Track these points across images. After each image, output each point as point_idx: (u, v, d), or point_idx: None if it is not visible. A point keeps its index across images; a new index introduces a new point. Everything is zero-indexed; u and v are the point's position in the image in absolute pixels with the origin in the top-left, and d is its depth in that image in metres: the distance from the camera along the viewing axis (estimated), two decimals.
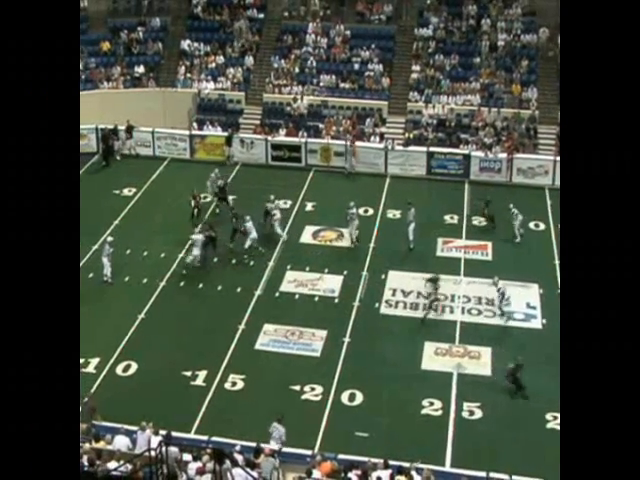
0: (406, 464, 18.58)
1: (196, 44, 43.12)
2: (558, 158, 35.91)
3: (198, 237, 28.99)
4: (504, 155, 36.07)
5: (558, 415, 22.25)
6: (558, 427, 21.94)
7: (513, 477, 19.03)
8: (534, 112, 38.67)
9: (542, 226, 32.39)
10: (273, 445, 19.74)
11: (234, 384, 23.53)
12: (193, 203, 31.89)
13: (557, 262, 29.61)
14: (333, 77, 41.18)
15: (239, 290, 27.96)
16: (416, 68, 41.20)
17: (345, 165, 36.55)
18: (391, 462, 18.63)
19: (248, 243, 29.67)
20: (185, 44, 43.02)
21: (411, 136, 38.08)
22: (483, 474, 19.24)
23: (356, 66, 41.61)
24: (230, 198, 32.51)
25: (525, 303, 27.19)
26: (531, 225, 31.71)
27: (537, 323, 26.41)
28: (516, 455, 21.01)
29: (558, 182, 35.48)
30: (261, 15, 44.16)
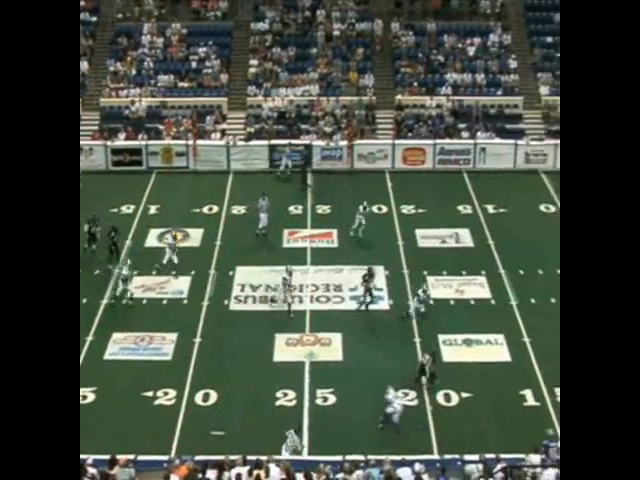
0: (263, 457, 18.60)
1: None
2: (396, 142, 36.88)
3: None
4: (344, 142, 36.68)
5: (407, 391, 22.91)
6: (407, 403, 22.59)
7: (369, 457, 19.35)
8: (371, 98, 39.45)
9: (384, 209, 33.14)
10: (284, 453, 19.76)
11: (84, 397, 22.82)
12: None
13: (400, 243, 30.45)
14: (171, 77, 40.69)
15: (84, 301, 27.12)
16: (254, 62, 41.29)
17: (281, 168, 36.24)
18: (250, 457, 18.61)
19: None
20: None
21: (252, 131, 38.14)
22: (339, 458, 19.52)
23: (194, 64, 41.28)
24: None
25: (372, 286, 27.63)
26: (374, 209, 32.26)
27: (384, 304, 26.99)
28: (371, 435, 21.41)
29: (398, 165, 36.46)
30: (94, 18, 43.17)
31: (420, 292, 25.86)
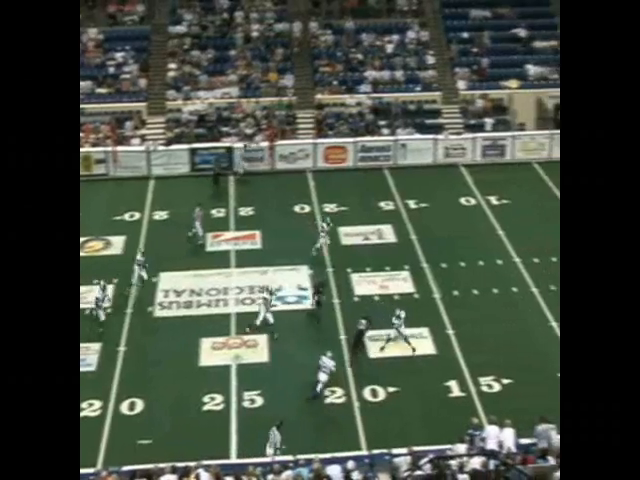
0: (192, 464, 18.53)
1: None
2: (317, 141, 36.98)
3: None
4: (266, 143, 36.64)
5: (335, 389, 23.02)
6: (335, 400, 22.72)
7: (298, 456, 19.38)
8: (291, 98, 39.50)
9: (307, 208, 33.19)
10: (269, 450, 20.14)
11: None
12: None
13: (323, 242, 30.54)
14: (89, 83, 40.00)
15: None
16: (173, 66, 40.95)
17: (237, 168, 36.01)
18: (178, 464, 18.53)
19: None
20: None
21: (172, 135, 37.82)
22: (269, 459, 19.54)
23: (112, 69, 40.74)
24: None
25: (296, 286, 27.73)
26: (296, 208, 32.17)
27: (309, 303, 26.96)
28: (300, 435, 21.43)
29: (319, 164, 36.57)
30: None
31: (394, 320, 24.83)
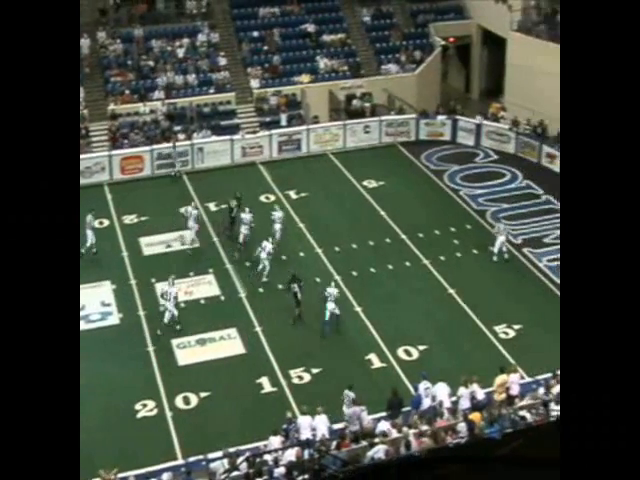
0: None
1: None
2: (112, 152, 36.22)
3: None
4: None
5: (146, 402, 22.68)
6: (147, 414, 22.39)
7: (112, 475, 18.92)
8: (83, 111, 38.46)
9: (106, 222, 32.38)
10: (346, 409, 21.01)
11: None
12: None
13: (125, 254, 30.01)
14: None
15: None
16: None
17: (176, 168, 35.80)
18: None
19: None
20: None
21: None
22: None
23: None
24: None
25: (100, 302, 26.99)
26: (95, 224, 31.20)
27: (114, 319, 26.44)
28: (112, 453, 20.81)
29: (116, 176, 35.80)
30: None
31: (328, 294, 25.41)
